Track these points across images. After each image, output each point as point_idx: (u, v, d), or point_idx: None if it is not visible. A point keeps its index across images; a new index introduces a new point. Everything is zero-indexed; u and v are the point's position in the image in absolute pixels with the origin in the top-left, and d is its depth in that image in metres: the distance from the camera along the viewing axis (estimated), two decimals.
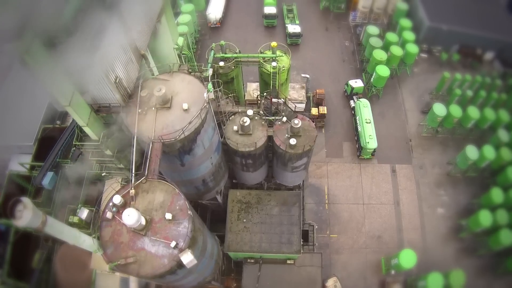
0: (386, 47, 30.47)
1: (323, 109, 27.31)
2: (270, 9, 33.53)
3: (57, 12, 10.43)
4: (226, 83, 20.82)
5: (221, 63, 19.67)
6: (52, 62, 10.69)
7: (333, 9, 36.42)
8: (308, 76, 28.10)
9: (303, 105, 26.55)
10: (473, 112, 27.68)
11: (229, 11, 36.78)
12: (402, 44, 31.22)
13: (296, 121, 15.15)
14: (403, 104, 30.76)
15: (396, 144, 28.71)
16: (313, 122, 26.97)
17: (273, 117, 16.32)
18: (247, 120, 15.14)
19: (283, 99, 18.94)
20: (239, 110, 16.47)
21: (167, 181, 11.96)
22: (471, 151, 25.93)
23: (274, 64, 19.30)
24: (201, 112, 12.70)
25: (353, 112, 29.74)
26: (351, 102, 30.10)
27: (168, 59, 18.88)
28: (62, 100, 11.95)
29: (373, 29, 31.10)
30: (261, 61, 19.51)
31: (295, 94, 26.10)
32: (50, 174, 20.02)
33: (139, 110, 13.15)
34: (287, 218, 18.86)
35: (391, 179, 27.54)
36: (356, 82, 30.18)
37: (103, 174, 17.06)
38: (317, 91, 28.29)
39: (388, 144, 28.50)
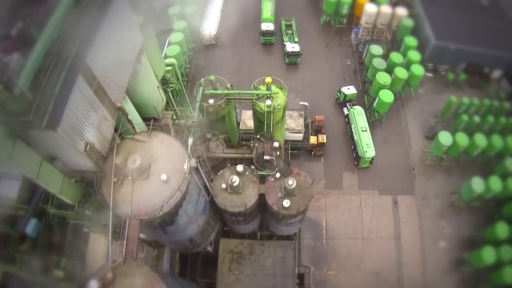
0: (390, 68, 28.84)
1: (323, 138, 25.84)
2: (267, 26, 31.78)
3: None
4: (217, 121, 19.43)
5: (211, 101, 18.19)
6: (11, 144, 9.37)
7: (335, 24, 34.58)
8: (306, 103, 26.56)
9: (301, 135, 25.08)
10: (480, 140, 26.24)
11: (225, 27, 34.88)
12: (407, 64, 29.55)
13: (290, 181, 13.77)
14: (407, 129, 29.25)
15: (399, 174, 27.32)
16: (311, 152, 26.86)
17: (266, 172, 14.93)
18: (236, 180, 13.77)
19: (278, 142, 17.53)
20: (228, 165, 15.03)
21: (146, 267, 10.70)
22: (477, 184, 24.59)
23: (268, 102, 17.82)
24: (182, 184, 11.34)
25: (346, 120, 28.74)
26: (345, 109, 29.13)
27: (152, 100, 17.44)
28: (28, 173, 10.64)
29: (376, 49, 29.38)
30: (254, 99, 17.99)
31: (292, 123, 24.61)
32: (33, 221, 18.82)
33: (114, 180, 11.78)
34: (281, 270, 17.66)
35: (392, 211, 26.24)
36: (348, 89, 29.17)
37: (85, 230, 15.85)
38: (316, 117, 26.76)
39: (390, 174, 27.12)
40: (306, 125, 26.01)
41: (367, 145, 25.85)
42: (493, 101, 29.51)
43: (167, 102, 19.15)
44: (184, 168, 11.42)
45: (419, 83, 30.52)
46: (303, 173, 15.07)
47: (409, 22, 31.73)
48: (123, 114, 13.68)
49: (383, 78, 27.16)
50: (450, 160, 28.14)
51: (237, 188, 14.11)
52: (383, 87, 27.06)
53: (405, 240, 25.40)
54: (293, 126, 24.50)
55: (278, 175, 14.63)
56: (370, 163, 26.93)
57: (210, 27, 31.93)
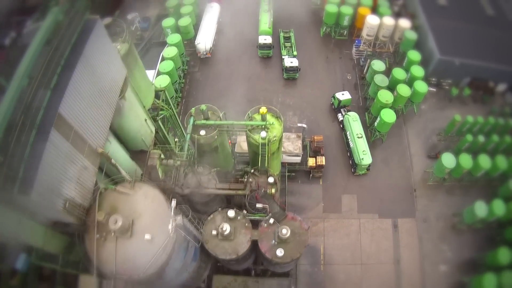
0: (392, 84, 27.83)
1: (321, 160, 25.00)
2: (265, 39, 30.65)
3: None
4: (209, 152, 18.61)
5: (202, 132, 17.35)
6: None
7: (335, 35, 33.44)
8: (305, 125, 25.65)
9: (299, 158, 24.25)
10: (484, 161, 25.40)
11: (221, 39, 33.86)
12: (410, 80, 28.54)
13: (284, 230, 13.01)
14: (409, 148, 28.37)
15: (400, 196, 26.52)
16: (310, 174, 26.04)
17: (259, 217, 14.17)
18: (227, 228, 13.02)
19: (273, 177, 16.74)
20: (219, 209, 14.24)
21: None
22: (480, 208, 23.82)
23: (263, 134, 16.97)
24: (167, 245, 10.59)
25: (341, 126, 28.11)
26: (339, 115, 28.50)
27: (140, 133, 16.59)
28: (6, 231, 9.89)
29: (378, 65, 28.32)
30: (248, 131, 17.12)
31: (290, 145, 23.76)
32: (23, 256, 18.16)
33: (97, 236, 11.04)
34: None
35: (392, 235, 25.50)
36: (343, 94, 28.58)
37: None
38: (315, 138, 25.87)
39: (391, 196, 26.32)
40: (304, 146, 25.16)
41: (363, 152, 25.27)
42: (497, 118, 28.63)
43: (157, 132, 18.37)
44: (169, 228, 10.64)
45: (422, 99, 29.65)
46: (298, 217, 14.31)
47: (412, 35, 30.61)
48: (106, 159, 12.88)
49: (385, 96, 26.18)
50: (452, 180, 27.37)
51: (228, 235, 13.37)
52: (385, 106, 26.11)
53: (404, 265, 24.73)
54: (290, 149, 23.65)
55: (272, 220, 13.87)
56: (367, 169, 26.57)
57: (205, 40, 30.80)
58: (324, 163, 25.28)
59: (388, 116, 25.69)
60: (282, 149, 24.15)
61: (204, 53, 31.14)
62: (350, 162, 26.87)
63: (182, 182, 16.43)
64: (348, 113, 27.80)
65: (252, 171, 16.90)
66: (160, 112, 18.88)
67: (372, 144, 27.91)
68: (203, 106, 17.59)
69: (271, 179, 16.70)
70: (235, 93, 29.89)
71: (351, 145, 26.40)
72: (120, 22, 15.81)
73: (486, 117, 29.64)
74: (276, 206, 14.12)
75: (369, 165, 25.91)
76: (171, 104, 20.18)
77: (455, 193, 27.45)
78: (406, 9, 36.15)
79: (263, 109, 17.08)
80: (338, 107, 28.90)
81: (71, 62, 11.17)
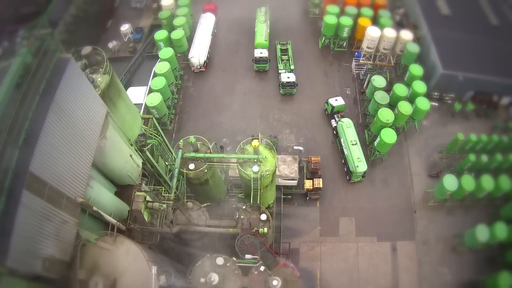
0: (393, 101, 27.03)
1: (318, 182, 24.41)
2: (261, 52, 29.82)
3: None
4: (199, 185, 18.06)
5: (191, 166, 16.76)
6: None
7: (334, 47, 32.55)
8: (301, 148, 25.01)
9: (295, 182, 23.64)
10: (487, 182, 24.78)
11: (216, 51, 33.02)
12: (411, 96, 27.76)
13: (274, 282, 12.50)
14: (409, 168, 27.72)
15: (399, 217, 25.97)
16: (306, 197, 25.47)
17: (249, 263, 13.64)
18: (215, 279, 12.52)
19: (266, 215, 16.18)
20: (208, 255, 13.70)
21: None
22: (482, 232, 23.29)
23: (255, 169, 16.39)
24: None
25: (334, 132, 27.72)
26: (332, 121, 28.14)
27: (125, 169, 15.95)
28: None
29: (379, 81, 27.49)
30: (239, 167, 16.51)
31: (286, 169, 23.14)
32: None
33: None
34: None
35: (390, 259, 25.01)
36: (336, 100, 28.19)
37: None
38: (312, 158, 25.26)
39: (390, 218, 25.76)
40: (300, 168, 24.52)
41: (358, 159, 24.89)
42: (501, 135, 27.93)
43: (145, 163, 17.74)
44: None
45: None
46: (290, 264, 13.80)
47: (414, 48, 29.73)
48: (87, 207, 12.32)
49: (385, 115, 25.41)
50: (454, 201, 26.80)
51: (217, 285, 12.86)
52: (385, 125, 25.40)
53: None
54: (286, 173, 23.05)
55: (262, 268, 13.35)
56: (363, 176, 26.33)
57: (199, 53, 29.98)
58: (321, 185, 24.70)
59: (389, 136, 25.00)
60: (278, 173, 23.61)
61: (198, 67, 30.37)
62: (345, 169, 26.59)
63: (171, 219, 15.95)
64: (342, 119, 27.33)
65: (244, 207, 16.35)
66: (148, 141, 18.25)
67: (372, 164, 27.31)
68: (192, 138, 17.00)
69: (263, 217, 16.17)
70: (230, 110, 29.27)
71: (346, 153, 26.04)
72: (100, 51, 15.08)
73: (489, 133, 29.07)
74: (267, 254, 13.59)
75: (365, 172, 25.57)
76: (160, 130, 19.54)
77: (456, 214, 26.89)
78: (408, 19, 35.22)
79: (255, 142, 16.46)
80: (331, 113, 28.60)
81: (42, 112, 10.47)
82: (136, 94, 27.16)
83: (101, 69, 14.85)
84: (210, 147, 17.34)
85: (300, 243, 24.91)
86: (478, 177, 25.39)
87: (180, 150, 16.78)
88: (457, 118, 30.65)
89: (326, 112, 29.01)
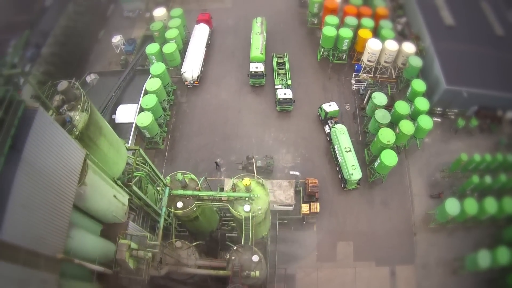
0: (394, 119, 25.72)
1: (316, 207, 23.34)
2: (256, 67, 28.37)
3: None
4: (189, 221, 16.99)
5: (179, 205, 15.66)
6: None
7: (333, 59, 31.08)
8: (298, 173, 23.77)
9: (291, 208, 22.55)
10: (491, 205, 23.70)
11: (210, 64, 31.56)
12: (413, 113, 26.44)
13: None
14: (410, 188, 26.56)
15: (399, 241, 24.90)
16: (303, 221, 24.41)
17: None
18: None
19: (258, 256, 15.12)
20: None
21: None
22: (484, 257, 22.34)
23: (247, 208, 15.28)
24: None
25: (328, 138, 26.87)
26: (326, 127, 27.32)
27: (109, 210, 14.85)
28: None
29: (380, 98, 26.08)
30: (230, 207, 15.39)
31: (281, 195, 22.03)
32: None
33: None
34: None
35: (389, 284, 24.01)
36: (330, 105, 27.30)
37: None
38: (309, 181, 24.10)
39: (389, 242, 24.69)
40: (297, 192, 23.40)
41: (352, 167, 24.14)
42: (506, 154, 26.69)
43: (131, 198, 16.65)
44: None
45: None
46: None
47: (417, 62, 28.26)
48: (69, 261, 11.28)
49: (386, 136, 24.14)
50: (455, 223, 25.72)
51: None
52: (386, 146, 24.17)
53: None
54: (282, 199, 21.95)
55: None
56: (358, 184, 25.63)
57: (192, 68, 28.61)
58: (318, 210, 23.63)
59: (389, 159, 23.76)
60: (273, 199, 22.56)
61: (192, 82, 29.03)
62: (340, 177, 25.78)
63: (160, 259, 14.95)
64: (335, 125, 26.40)
65: (235, 248, 15.29)
66: (135, 174, 17.13)
67: (371, 184, 26.22)
68: (179, 175, 15.85)
69: (255, 258, 15.11)
70: (225, 128, 27.99)
71: (340, 160, 25.23)
72: (77, 86, 13.82)
73: (493, 150, 27.94)
74: None
75: (359, 180, 24.77)
76: (148, 160, 18.39)
77: (457, 235, 25.77)
78: (410, 29, 33.64)
79: (247, 180, 15.31)
80: (325, 119, 27.70)
81: (9, 173, 9.39)
82: (127, 113, 25.94)
83: (79, 106, 13.63)
84: (199, 183, 16.20)
85: (296, 268, 23.92)
86: (481, 198, 24.43)
87: (167, 187, 15.65)
88: (460, 134, 29.37)
89: (320, 118, 28.21)
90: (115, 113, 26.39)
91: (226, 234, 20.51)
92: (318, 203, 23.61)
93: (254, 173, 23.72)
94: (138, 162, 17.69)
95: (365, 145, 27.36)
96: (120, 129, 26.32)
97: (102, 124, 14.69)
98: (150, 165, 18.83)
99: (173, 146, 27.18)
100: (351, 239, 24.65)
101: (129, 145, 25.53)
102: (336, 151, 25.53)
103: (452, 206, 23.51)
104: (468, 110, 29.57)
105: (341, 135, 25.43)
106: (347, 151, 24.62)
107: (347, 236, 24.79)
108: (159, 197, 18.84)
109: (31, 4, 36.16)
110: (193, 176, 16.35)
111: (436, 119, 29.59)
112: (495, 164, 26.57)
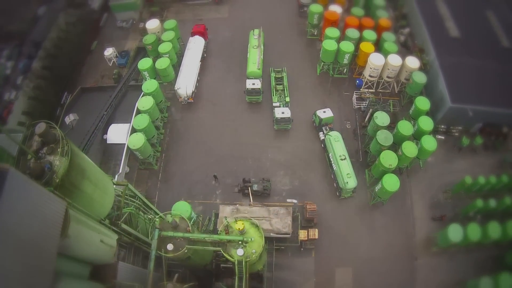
0: (397, 139, 24.61)
1: (314, 233, 22.45)
2: (253, 83, 27.13)
3: None
4: (181, 261, 16.11)
5: (170, 247, 14.79)
6: None
7: (333, 74, 29.86)
8: (295, 201, 22.86)
9: (288, 235, 21.67)
10: (494, 230, 22.86)
11: (205, 79, 30.36)
12: (417, 133, 25.34)
13: None
14: (412, 211, 25.62)
15: (399, 266, 24.05)
16: (301, 247, 23.57)
17: None
18: None
19: None
20: None
21: None
22: (486, 285, 21.60)
23: (240, 252, 14.41)
24: None
25: (322, 145, 26.27)
26: (320, 134, 26.70)
27: (97, 255, 14.00)
28: None
29: (382, 118, 24.86)
30: (222, 251, 14.51)
31: (278, 223, 21.13)
32: None
33: None
34: None
35: None
36: (324, 112, 26.63)
37: None
38: (307, 206, 23.17)
39: (390, 268, 23.82)
40: (295, 217, 22.49)
41: (347, 175, 23.62)
42: (511, 173, 25.72)
43: (121, 236, 15.79)
44: None
45: None
46: None
47: (421, 78, 27.05)
48: None
49: (388, 159, 23.12)
50: (458, 247, 24.88)
51: None
52: (388, 170, 23.17)
53: None
54: (279, 227, 21.06)
55: None
56: (353, 192, 24.99)
57: (186, 83, 27.46)
58: (317, 236, 22.76)
59: (391, 183, 22.77)
60: (269, 227, 21.70)
61: (186, 98, 27.90)
62: (335, 185, 25.16)
63: None
64: (330, 132, 25.65)
65: None
66: (124, 211, 16.24)
67: (372, 207, 25.31)
68: (169, 217, 14.95)
69: None
70: (220, 148, 26.90)
71: (334, 168, 24.63)
72: (55, 128, 12.75)
73: (497, 167, 26.96)
74: None
75: (355, 188, 24.17)
76: (138, 194, 17.47)
77: (459, 259, 24.85)
78: (414, 40, 32.29)
79: (240, 224, 14.40)
80: (319, 125, 27.02)
81: None
82: (118, 133, 25.00)
83: (59, 149, 12.64)
84: (190, 224, 15.27)
85: None
86: (484, 221, 23.56)
87: (157, 229, 14.76)
88: (464, 152, 28.32)
89: (314, 124, 27.49)
90: (106, 133, 25.43)
91: (221, 265, 19.76)
92: (316, 229, 22.74)
93: (250, 200, 23.13)
94: (127, 197, 16.84)
95: (366, 165, 26.35)
96: (112, 150, 25.46)
97: (85, 167, 13.70)
98: (140, 198, 17.98)
99: (167, 167, 26.23)
100: (350, 266, 23.81)
101: (121, 167, 24.69)
102: (331, 159, 24.85)
103: (455, 232, 22.63)
104: (473, 127, 28.51)
105: (336, 143, 24.76)
106: (342, 159, 23.97)
107: (346, 262, 23.91)
108: (151, 227, 18.07)
109: (24, 13, 34.93)
110: (184, 219, 15.41)
111: (439, 136, 28.53)
112: (499, 186, 25.63)
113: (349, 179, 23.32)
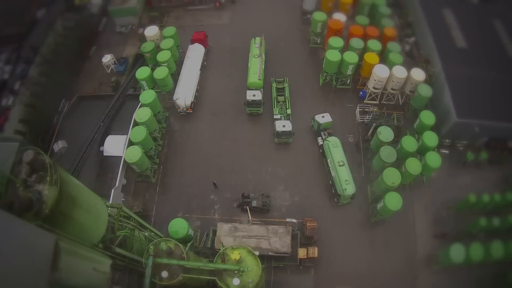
0: (401, 155, 23.95)
1: (314, 251, 22.00)
2: (253, 95, 26.43)
3: None
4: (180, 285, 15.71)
5: (164, 274, 14.37)
6: None
7: (336, 84, 29.17)
8: (294, 220, 22.36)
9: (287, 254, 21.22)
10: (497, 250, 22.22)
11: (205, 89, 29.68)
12: (421, 149, 24.67)
13: None
14: (414, 228, 25.08)
15: (400, 286, 23.62)
16: (300, 265, 23.11)
17: None
18: None
19: None
20: None
21: None
22: None
23: (236, 282, 13.99)
24: None
25: (321, 150, 25.91)
26: (319, 139, 26.40)
27: (91, 283, 13.61)
28: None
29: (386, 133, 24.10)
30: (218, 280, 14.07)
31: (277, 242, 20.68)
32: None
33: None
34: None
35: None
36: (323, 116, 26.30)
37: None
38: (307, 223, 22.66)
39: (390, 286, 23.38)
40: (294, 235, 22.00)
41: (346, 182, 23.37)
42: None
43: (115, 260, 15.38)
44: None
45: None
46: None
47: (426, 92, 26.30)
48: None
49: (391, 177, 22.45)
50: (459, 265, 24.39)
51: None
52: (390, 188, 22.58)
53: None
54: (277, 247, 20.61)
55: None
56: (352, 198, 24.74)
57: (185, 94, 26.88)
58: (316, 255, 22.30)
59: (394, 202, 22.13)
60: (268, 247, 21.26)
61: (185, 109, 27.33)
62: (333, 191, 24.80)
63: None
64: (328, 138, 25.26)
65: None
66: (118, 234, 15.79)
67: (372, 225, 24.78)
68: (163, 244, 14.50)
69: None
70: (219, 161, 26.33)
71: (333, 174, 24.32)
72: (43, 155, 12.22)
73: (502, 183, 26.34)
74: None
75: (354, 194, 23.87)
76: (132, 215, 17.01)
77: (460, 276, 24.30)
78: (419, 50, 31.44)
79: (236, 255, 13.93)
80: (318, 130, 26.64)
81: None
82: (115, 145, 24.53)
83: (47, 178, 12.15)
84: (185, 251, 14.82)
85: None
86: (488, 239, 23.04)
87: (151, 257, 14.32)
88: (468, 166, 27.66)
89: (313, 129, 27.15)
90: (103, 145, 24.95)
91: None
92: (316, 248, 22.27)
93: (249, 217, 22.66)
94: (121, 219, 16.38)
95: (368, 181, 25.76)
96: (109, 162, 25.01)
97: (76, 194, 13.21)
98: (135, 218, 17.52)
99: (165, 179, 25.75)
100: (350, 284, 23.41)
101: (118, 180, 24.22)
102: (329, 165, 24.55)
103: (457, 252, 22.09)
104: (478, 141, 27.81)
105: (334, 148, 24.44)
106: (340, 165, 23.66)
107: (346, 280, 23.41)
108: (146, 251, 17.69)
109: (22, 16, 34.23)
110: (179, 245, 14.95)
111: (444, 151, 27.88)
112: (504, 203, 25.01)
113: (347, 186, 23.06)
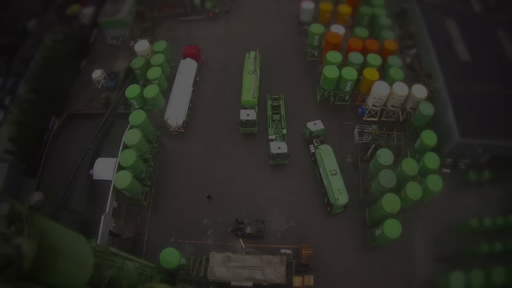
0: (400, 178, 23.50)
1: (309, 280, 21.73)
2: (247, 114, 25.96)
3: None
4: None
5: None
6: None
7: (335, 101, 28.63)
8: (289, 251, 22.02)
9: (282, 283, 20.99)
10: (498, 276, 21.95)
11: (197, 106, 29.15)
12: (422, 171, 24.22)
13: None
14: (414, 251, 24.80)
15: None
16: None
17: None
18: None
19: None
20: None
21: None
22: None
23: None
24: None
25: (313, 159, 25.80)
26: (311, 147, 26.33)
27: None
28: None
29: (385, 156, 23.70)
30: None
31: (271, 273, 20.38)
32: None
33: None
34: None
35: None
36: (315, 124, 26.19)
37: None
38: (303, 250, 22.36)
39: None
40: (289, 263, 21.73)
41: (338, 191, 23.25)
42: None
43: None
44: None
45: None
46: None
47: (428, 110, 25.76)
48: None
49: (391, 204, 22.00)
50: None
51: None
52: (389, 214, 22.21)
53: None
54: (272, 277, 20.33)
55: None
56: (344, 207, 24.42)
57: (176, 113, 26.42)
58: (312, 283, 22.05)
59: (392, 230, 21.72)
60: (262, 277, 21.01)
61: (176, 128, 26.88)
62: (326, 200, 24.65)
63: None
64: (320, 146, 25.07)
65: None
66: (105, 274, 15.54)
67: (370, 249, 24.47)
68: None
69: None
70: (212, 184, 25.76)
71: (325, 183, 24.17)
72: (20, 206, 11.80)
73: (504, 201, 25.95)
74: None
75: (346, 204, 23.73)
76: (120, 253, 16.73)
77: None
78: (421, 63, 30.78)
79: None
80: (310, 138, 26.58)
81: None
82: (105, 169, 24.10)
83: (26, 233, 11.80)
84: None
85: None
86: (489, 262, 22.77)
87: None
88: (470, 185, 27.24)
89: (305, 137, 27.02)
90: (92, 168, 24.59)
91: None
92: (312, 276, 22.03)
93: (242, 246, 22.39)
94: (109, 258, 16.12)
95: (366, 204, 25.38)
96: (98, 186, 24.62)
97: (58, 245, 12.90)
98: (123, 256, 17.25)
99: (157, 202, 25.44)
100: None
101: (108, 206, 23.88)
102: (321, 174, 24.34)
103: (457, 280, 21.83)
104: (481, 158, 27.35)
105: (326, 157, 24.23)
106: (332, 174, 23.48)
107: None
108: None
109: (13, 26, 33.50)
110: (175, 260, 14.68)
111: (445, 170, 27.48)
112: (506, 226, 24.68)
113: (340, 195, 22.92)
